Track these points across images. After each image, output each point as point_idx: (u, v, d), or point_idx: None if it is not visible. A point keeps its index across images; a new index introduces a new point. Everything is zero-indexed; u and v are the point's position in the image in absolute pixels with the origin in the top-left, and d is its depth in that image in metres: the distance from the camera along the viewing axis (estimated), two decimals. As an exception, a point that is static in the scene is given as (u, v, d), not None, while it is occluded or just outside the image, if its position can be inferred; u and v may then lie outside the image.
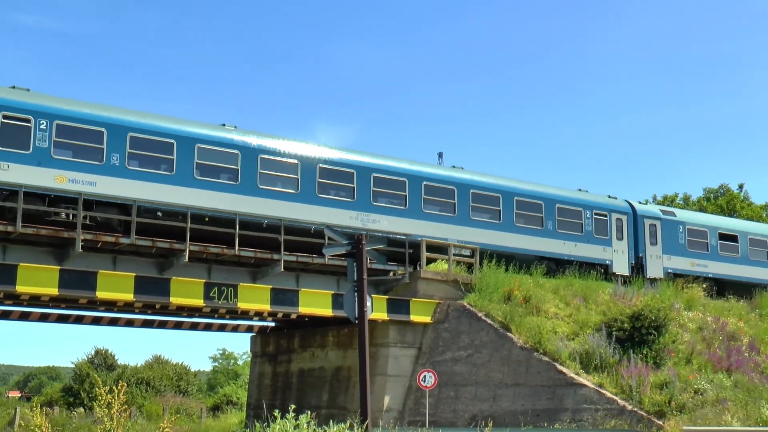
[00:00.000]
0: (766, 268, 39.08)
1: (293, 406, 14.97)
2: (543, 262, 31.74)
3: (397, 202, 29.24)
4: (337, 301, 25.34)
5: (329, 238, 23.82)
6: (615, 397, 24.54)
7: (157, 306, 25.70)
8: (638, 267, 35.02)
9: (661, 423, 23.71)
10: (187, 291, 23.41)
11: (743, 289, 37.01)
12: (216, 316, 29.09)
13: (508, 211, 31.79)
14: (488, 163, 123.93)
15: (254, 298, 24.74)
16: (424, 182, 29.89)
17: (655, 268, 35.22)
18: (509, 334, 26.61)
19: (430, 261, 28.70)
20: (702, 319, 30.38)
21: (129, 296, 22.80)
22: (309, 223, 26.48)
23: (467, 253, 29.71)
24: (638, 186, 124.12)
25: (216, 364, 77.08)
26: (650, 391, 24.72)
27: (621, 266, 34.47)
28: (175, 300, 23.35)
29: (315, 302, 25.74)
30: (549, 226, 32.76)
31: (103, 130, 23.99)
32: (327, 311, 25.89)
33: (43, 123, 23.02)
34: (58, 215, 22.87)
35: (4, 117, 22.55)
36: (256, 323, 33.34)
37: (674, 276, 35.09)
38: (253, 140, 26.84)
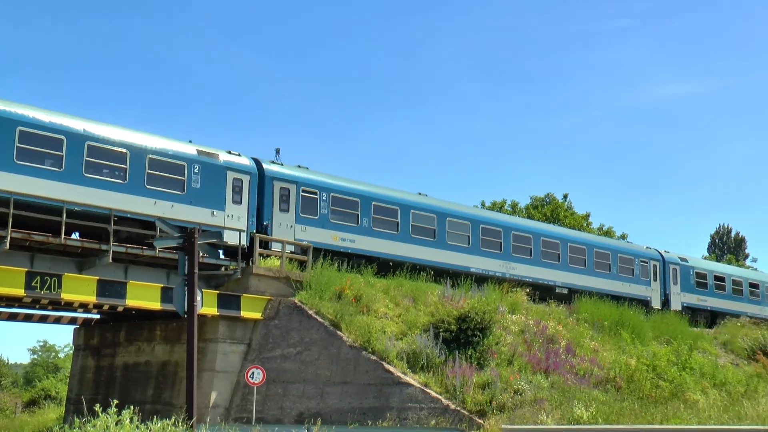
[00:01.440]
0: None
1: (116, 402, 14.59)
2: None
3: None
4: (166, 295, 24.77)
5: (161, 231, 23.26)
6: (439, 397, 25.13)
7: (-27, 295, 24.45)
8: None
9: (482, 422, 24.47)
10: (6, 280, 22.31)
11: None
12: (37, 306, 27.93)
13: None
14: (330, 162, 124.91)
15: (79, 288, 23.83)
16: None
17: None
18: (339, 333, 26.80)
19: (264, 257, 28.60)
20: (524, 322, 31.55)
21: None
22: (137, 215, 25.78)
23: (294, 249, 29.72)
24: (470, 191, 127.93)
25: (35, 356, 73.92)
26: (473, 391, 25.45)
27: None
28: (-8, 289, 22.26)
29: (143, 295, 25.10)
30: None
31: None
32: (155, 305, 25.29)
33: None
34: None
35: None
36: (81, 315, 32.22)
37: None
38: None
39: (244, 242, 28.25)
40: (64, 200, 24.18)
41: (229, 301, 26.70)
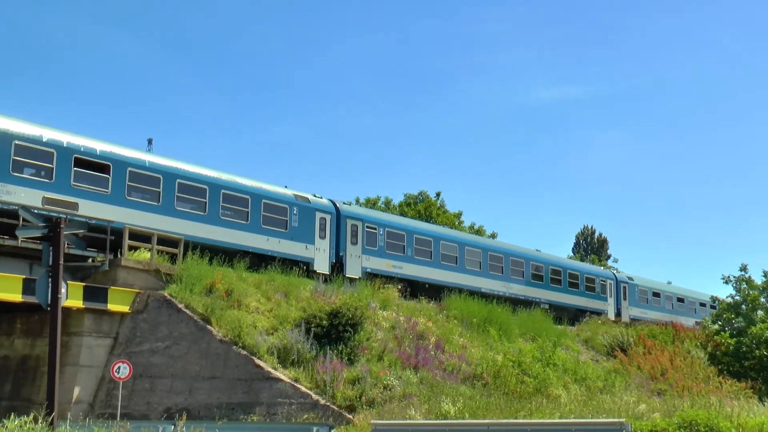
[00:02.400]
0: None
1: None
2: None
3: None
4: (28, 287, 23.90)
5: (24, 220, 22.49)
6: (309, 392, 25.15)
7: None
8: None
9: (351, 417, 24.62)
10: None
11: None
12: None
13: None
14: (202, 153, 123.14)
15: (-66, 279, 22.84)
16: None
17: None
18: (209, 327, 26.49)
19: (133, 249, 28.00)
20: (395, 318, 31.89)
21: None
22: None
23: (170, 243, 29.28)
24: (342, 187, 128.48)
25: None
26: (343, 386, 25.59)
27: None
28: None
29: (3, 286, 24.15)
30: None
31: None
32: (16, 296, 24.36)
33: None
34: None
35: None
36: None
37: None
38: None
39: (327, 270, 34.70)
40: None
41: (95, 294, 26.00)
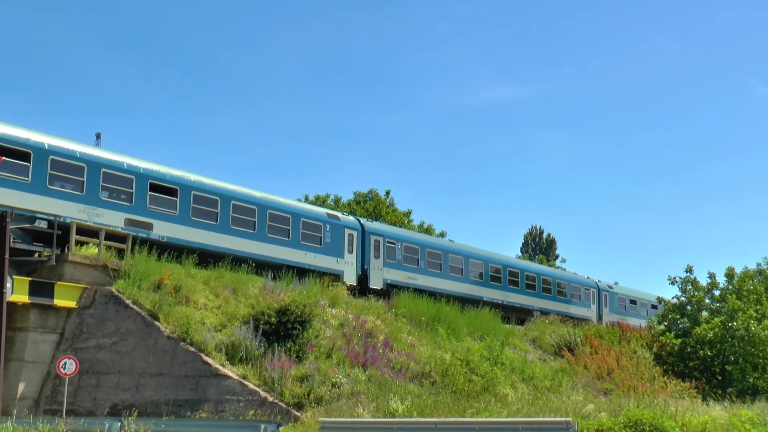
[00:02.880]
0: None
1: None
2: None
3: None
4: (-28, 281, 23.53)
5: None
6: (257, 389, 25.06)
7: None
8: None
9: (299, 414, 24.59)
10: None
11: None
12: None
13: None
14: (152, 149, 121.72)
15: None
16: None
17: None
18: (157, 323, 26.27)
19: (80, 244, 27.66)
20: (344, 316, 31.87)
21: None
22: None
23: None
24: (290, 184, 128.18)
25: None
26: (291, 384, 25.53)
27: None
28: None
29: (-54, 281, 23.75)
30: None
31: None
32: (-40, 291, 23.98)
33: None
34: None
35: None
36: None
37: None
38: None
39: (355, 281, 37.78)
40: None
41: (41, 289, 25.64)
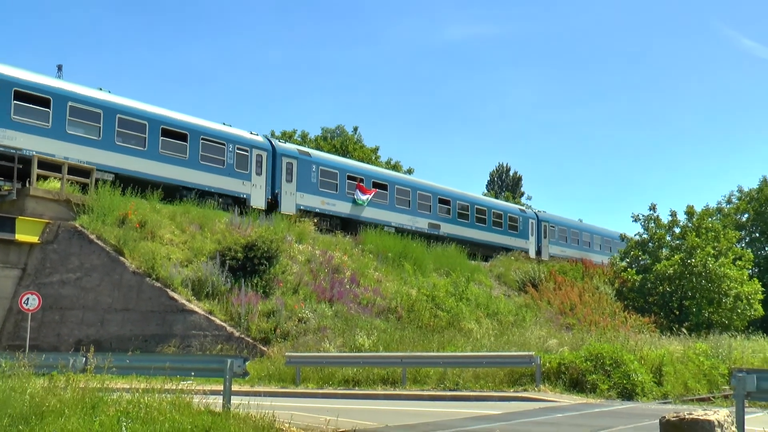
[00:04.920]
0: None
1: None
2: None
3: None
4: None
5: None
6: (224, 324, 25.11)
7: None
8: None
9: (265, 349, 24.72)
10: None
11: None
12: None
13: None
14: (116, 82, 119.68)
15: None
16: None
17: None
18: (122, 259, 26.14)
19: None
20: (311, 252, 31.88)
21: None
22: None
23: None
24: (257, 119, 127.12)
25: None
26: (258, 319, 25.62)
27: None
28: None
29: None
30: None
31: None
32: None
33: None
34: None
35: None
36: None
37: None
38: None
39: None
40: None
41: (2, 223, 25.40)
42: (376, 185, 41.30)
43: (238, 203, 34.04)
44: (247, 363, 14.62)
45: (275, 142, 38.12)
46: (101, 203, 27.37)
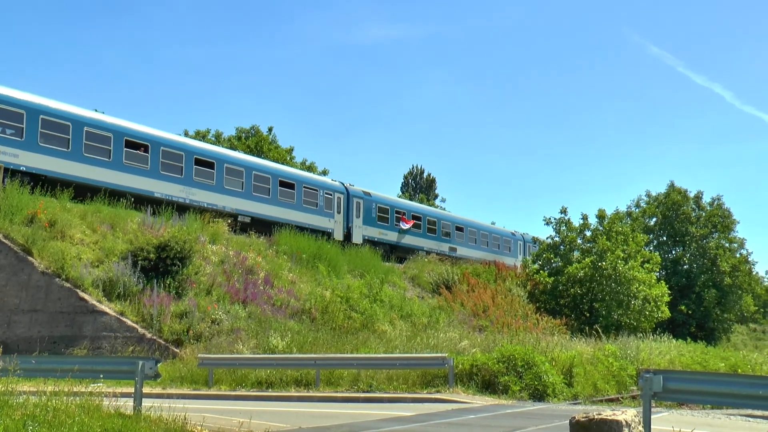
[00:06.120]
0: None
1: None
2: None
3: None
4: None
5: None
6: (136, 325, 24.73)
7: None
8: None
9: (178, 351, 24.42)
10: None
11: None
12: None
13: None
14: (32, 83, 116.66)
15: None
16: None
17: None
18: (30, 258, 25.51)
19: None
20: (225, 252, 31.60)
21: None
22: None
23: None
24: (170, 118, 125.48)
25: None
26: (170, 320, 25.29)
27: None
28: None
29: None
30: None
31: None
32: None
33: None
34: None
35: None
36: None
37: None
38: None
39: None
40: None
41: None
42: (414, 217, 50.09)
43: (325, 235, 40.83)
44: (158, 365, 14.44)
45: (347, 185, 45.49)
46: (9, 201, 26.66)
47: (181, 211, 33.14)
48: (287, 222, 39.37)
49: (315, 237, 37.98)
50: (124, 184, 32.41)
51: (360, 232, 45.07)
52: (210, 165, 36.53)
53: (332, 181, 45.15)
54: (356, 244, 42.60)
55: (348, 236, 43.95)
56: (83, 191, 30.65)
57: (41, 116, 29.64)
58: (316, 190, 42.64)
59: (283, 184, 40.43)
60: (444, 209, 74.15)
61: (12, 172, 28.30)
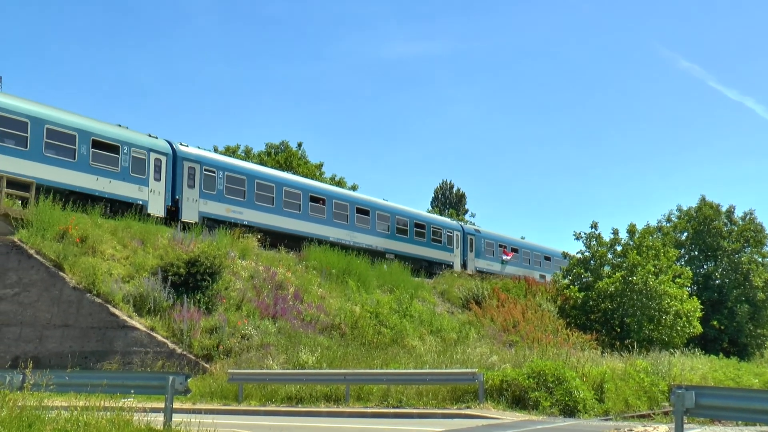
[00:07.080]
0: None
1: None
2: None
3: None
4: None
5: None
6: (166, 341, 24.82)
7: None
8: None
9: (208, 366, 24.48)
10: None
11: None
12: None
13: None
14: (58, 96, 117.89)
15: None
16: None
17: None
18: (61, 274, 25.70)
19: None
20: (254, 268, 31.68)
21: None
22: None
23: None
24: (201, 134, 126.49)
25: None
26: (200, 336, 25.37)
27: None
28: None
29: None
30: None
31: None
32: None
33: None
34: None
35: None
36: None
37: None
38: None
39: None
40: None
41: (-62, 238, 24.81)
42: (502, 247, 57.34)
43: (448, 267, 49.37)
44: (188, 380, 14.49)
45: (463, 224, 52.12)
46: (41, 217, 26.89)
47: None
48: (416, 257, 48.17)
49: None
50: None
51: (473, 264, 53.68)
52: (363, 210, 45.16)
53: (450, 221, 55.31)
54: (470, 274, 50.00)
55: (464, 265, 52.69)
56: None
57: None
58: (440, 229, 51.36)
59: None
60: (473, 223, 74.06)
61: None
